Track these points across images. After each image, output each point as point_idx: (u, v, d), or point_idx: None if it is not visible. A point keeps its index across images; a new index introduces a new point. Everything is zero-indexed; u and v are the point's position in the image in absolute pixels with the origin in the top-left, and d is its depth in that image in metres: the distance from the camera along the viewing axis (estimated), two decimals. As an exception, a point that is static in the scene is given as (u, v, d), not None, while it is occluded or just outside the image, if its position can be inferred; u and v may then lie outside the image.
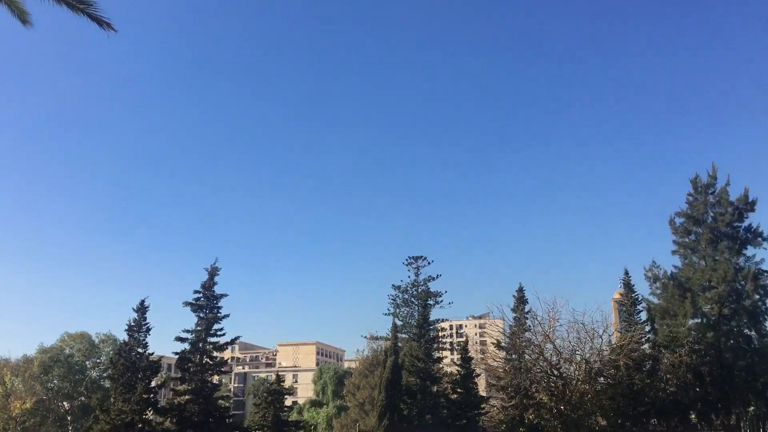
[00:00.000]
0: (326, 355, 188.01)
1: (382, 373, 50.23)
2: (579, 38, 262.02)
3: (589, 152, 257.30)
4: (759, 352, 49.57)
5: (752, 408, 50.96)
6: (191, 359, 53.17)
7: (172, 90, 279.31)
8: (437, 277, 68.56)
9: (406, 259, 68.77)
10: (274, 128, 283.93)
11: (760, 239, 50.76)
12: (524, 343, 51.28)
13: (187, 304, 54.13)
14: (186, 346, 53.46)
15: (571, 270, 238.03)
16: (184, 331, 53.67)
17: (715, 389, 48.75)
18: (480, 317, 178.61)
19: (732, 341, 50.02)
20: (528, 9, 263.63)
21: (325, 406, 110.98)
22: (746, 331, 50.65)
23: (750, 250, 51.05)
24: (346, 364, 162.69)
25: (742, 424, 51.25)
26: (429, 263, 68.78)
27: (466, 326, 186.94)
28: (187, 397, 52.21)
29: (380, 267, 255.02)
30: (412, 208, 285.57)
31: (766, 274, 50.00)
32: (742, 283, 49.68)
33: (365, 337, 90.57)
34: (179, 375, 55.21)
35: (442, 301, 67.47)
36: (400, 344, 60.93)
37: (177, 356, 53.95)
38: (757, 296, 49.81)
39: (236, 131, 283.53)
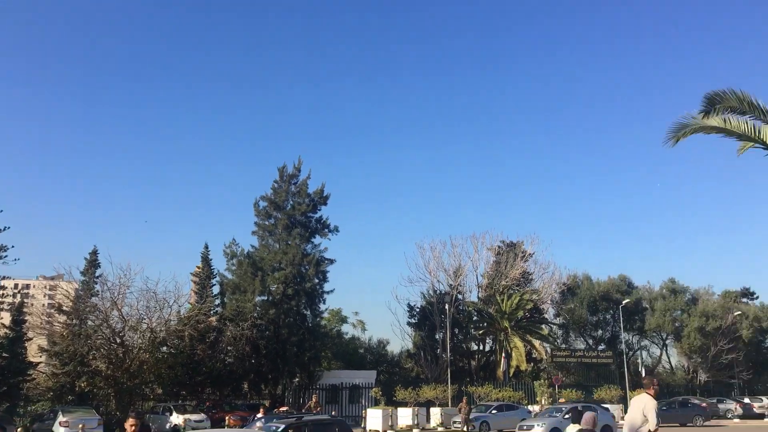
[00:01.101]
0: None
1: None
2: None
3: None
4: (310, 330, 55.72)
5: (297, 379, 56.72)
6: None
7: None
8: (5, 230, 60.28)
9: (-35, 205, 59.02)
10: None
11: (326, 230, 57.28)
12: (89, 309, 48.51)
13: None
14: None
15: (165, 239, 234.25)
16: None
17: (268, 361, 53.14)
18: (52, 278, 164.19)
19: (290, 319, 54.92)
20: None
21: None
22: (303, 310, 56.26)
23: (317, 239, 57.24)
24: None
25: (286, 394, 56.73)
26: (-1, 212, 60.21)
27: (35, 287, 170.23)
28: None
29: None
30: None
31: (326, 261, 56.62)
32: (306, 267, 55.26)
33: None
34: None
35: (6, 256, 59.40)
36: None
37: None
38: (317, 280, 56.01)
39: None
